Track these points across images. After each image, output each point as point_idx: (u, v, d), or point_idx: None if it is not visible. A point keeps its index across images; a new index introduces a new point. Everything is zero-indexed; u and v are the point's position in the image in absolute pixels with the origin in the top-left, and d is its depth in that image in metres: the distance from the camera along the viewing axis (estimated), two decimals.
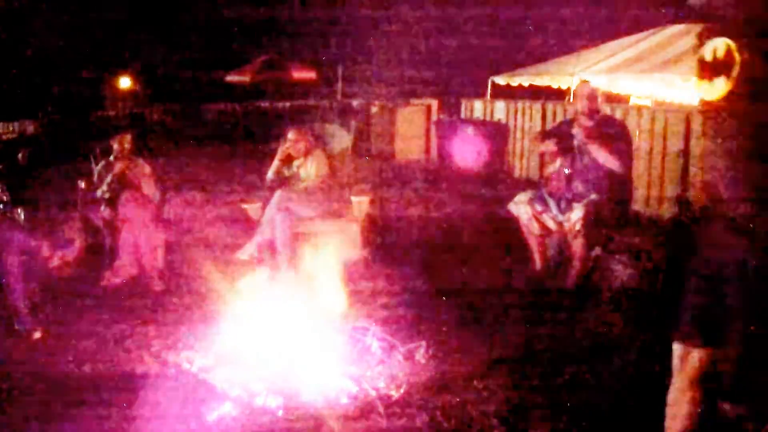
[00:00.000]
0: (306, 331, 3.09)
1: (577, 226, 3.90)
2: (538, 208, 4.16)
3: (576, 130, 4.18)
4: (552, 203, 4.18)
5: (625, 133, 4.23)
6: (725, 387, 2.21)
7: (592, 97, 4.21)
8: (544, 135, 4.61)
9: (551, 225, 4.15)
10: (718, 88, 1.85)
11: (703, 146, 1.98)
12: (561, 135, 4.30)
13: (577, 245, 3.97)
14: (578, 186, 4.16)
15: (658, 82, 7.95)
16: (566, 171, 4.23)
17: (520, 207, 4.23)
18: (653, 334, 3.36)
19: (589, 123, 4.20)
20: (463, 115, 10.15)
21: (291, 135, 4.66)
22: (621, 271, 3.94)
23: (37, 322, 3.40)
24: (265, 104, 14.18)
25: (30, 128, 11.22)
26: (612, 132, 4.14)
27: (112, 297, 3.94)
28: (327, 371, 2.86)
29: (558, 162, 4.28)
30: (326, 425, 2.54)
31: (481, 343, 3.29)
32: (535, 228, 4.19)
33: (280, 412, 2.61)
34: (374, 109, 10.90)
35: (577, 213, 3.92)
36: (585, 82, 4.52)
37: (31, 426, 2.37)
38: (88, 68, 14.32)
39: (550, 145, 4.28)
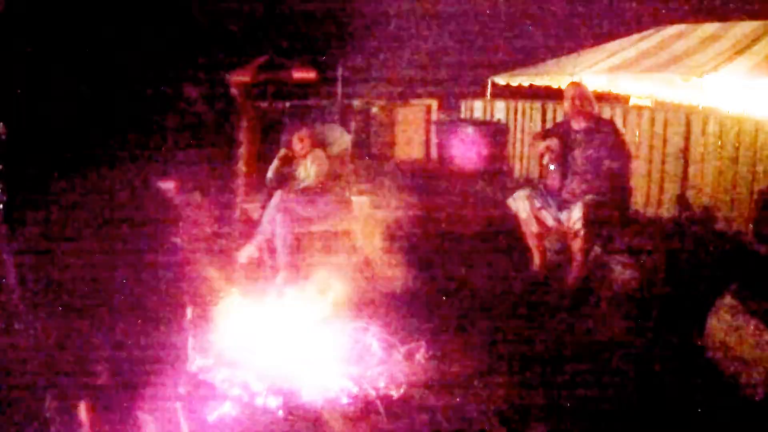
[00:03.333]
0: (306, 331, 3.10)
1: (577, 227, 3.90)
2: (537, 204, 4.16)
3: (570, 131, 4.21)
4: (551, 201, 4.19)
5: (616, 134, 4.21)
6: None
7: (579, 98, 4.20)
8: (543, 135, 4.62)
9: (550, 222, 4.16)
10: None
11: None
12: (559, 135, 4.32)
13: (577, 245, 3.97)
14: (574, 186, 4.17)
15: (658, 82, 7.96)
16: (552, 167, 4.25)
17: (519, 202, 4.24)
18: (653, 334, 3.37)
19: (580, 125, 4.21)
20: (463, 115, 10.15)
21: (290, 135, 4.66)
22: (621, 271, 3.94)
23: (37, 322, 3.39)
24: (265, 104, 14.18)
25: None
26: (602, 134, 4.13)
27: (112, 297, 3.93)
28: (327, 371, 2.87)
29: (551, 161, 4.29)
30: (326, 425, 2.55)
31: (481, 343, 3.29)
32: (534, 225, 4.19)
33: (280, 412, 2.61)
34: (374, 109, 10.89)
35: (576, 213, 3.91)
36: (573, 83, 4.48)
37: (31, 426, 2.37)
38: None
39: (548, 145, 4.28)
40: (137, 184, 1.74)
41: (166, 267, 1.78)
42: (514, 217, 4.31)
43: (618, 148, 4.14)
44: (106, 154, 1.72)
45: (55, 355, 1.82)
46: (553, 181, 4.33)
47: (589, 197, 3.98)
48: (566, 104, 4.26)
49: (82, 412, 1.98)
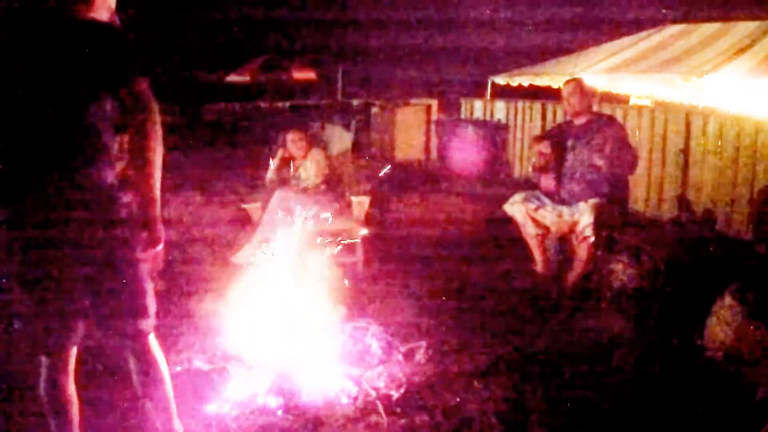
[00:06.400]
0: (306, 331, 3.10)
1: (587, 232, 3.90)
2: (531, 206, 4.17)
3: (568, 130, 4.22)
4: (547, 200, 4.19)
5: (617, 129, 4.20)
6: None
7: (579, 94, 4.20)
8: (542, 136, 4.62)
9: (548, 221, 4.15)
10: None
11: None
12: (555, 136, 4.33)
13: (583, 248, 3.97)
14: (574, 185, 4.17)
15: (658, 82, 7.95)
16: (546, 170, 4.26)
17: (515, 207, 4.24)
18: (653, 334, 3.37)
19: (581, 121, 4.22)
20: (463, 115, 10.15)
21: (290, 135, 4.66)
22: (621, 271, 3.93)
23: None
24: (265, 104, 14.18)
25: None
26: (604, 130, 4.13)
27: None
28: (327, 371, 2.87)
29: (545, 164, 4.29)
30: (326, 425, 2.55)
31: (481, 343, 3.29)
32: (531, 227, 4.19)
33: (280, 412, 2.61)
34: (374, 109, 10.90)
35: (586, 218, 3.91)
36: (572, 80, 4.46)
37: (31, 423, 2.37)
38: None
39: (545, 146, 4.28)
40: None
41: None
42: (513, 222, 4.31)
43: (621, 141, 4.12)
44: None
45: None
46: (548, 183, 4.32)
47: (594, 201, 3.98)
48: (566, 101, 4.27)
49: (71, 384, 2.08)
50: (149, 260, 2.03)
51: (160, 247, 2.01)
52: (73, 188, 1.88)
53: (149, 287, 2.08)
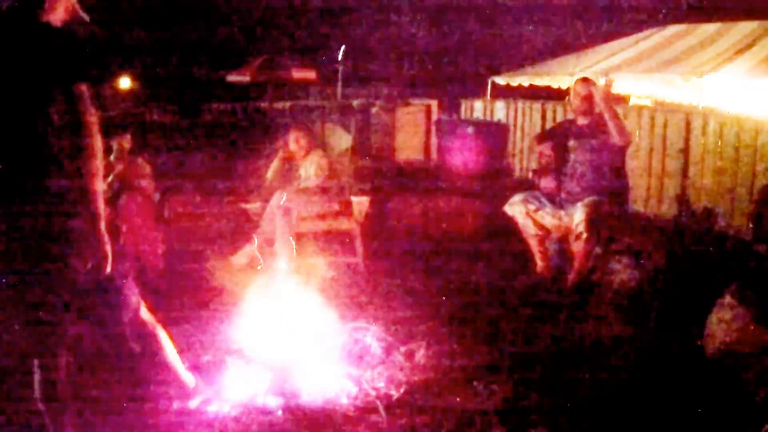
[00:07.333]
0: (306, 331, 3.10)
1: (580, 228, 3.89)
2: (531, 207, 4.17)
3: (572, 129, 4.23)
4: (547, 201, 4.19)
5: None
6: None
7: (586, 94, 4.22)
8: (542, 136, 4.62)
9: (548, 223, 4.15)
10: None
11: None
12: (556, 136, 4.33)
13: (579, 247, 3.96)
14: (574, 184, 4.17)
15: (658, 82, 7.95)
16: (552, 178, 4.26)
17: (515, 207, 4.24)
18: (653, 334, 3.37)
19: (585, 121, 4.23)
20: (463, 115, 10.14)
21: (292, 135, 4.66)
22: (621, 271, 3.93)
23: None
24: (265, 104, 14.17)
25: None
26: (606, 131, 4.15)
27: None
28: (327, 371, 2.87)
29: (545, 165, 4.29)
30: (326, 425, 2.55)
31: (481, 343, 3.29)
32: (531, 228, 4.19)
33: (280, 412, 2.61)
34: (374, 109, 10.89)
35: (578, 215, 3.91)
36: (582, 79, 4.47)
37: (30, 424, 2.37)
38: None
39: (546, 147, 4.28)
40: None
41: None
42: (513, 223, 4.32)
43: (618, 146, 4.15)
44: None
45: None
46: (549, 184, 4.33)
47: (589, 199, 3.98)
48: (575, 100, 4.27)
49: (65, 385, 2.11)
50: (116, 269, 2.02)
51: (108, 266, 1.96)
52: (23, 196, 1.85)
53: (117, 290, 2.10)
